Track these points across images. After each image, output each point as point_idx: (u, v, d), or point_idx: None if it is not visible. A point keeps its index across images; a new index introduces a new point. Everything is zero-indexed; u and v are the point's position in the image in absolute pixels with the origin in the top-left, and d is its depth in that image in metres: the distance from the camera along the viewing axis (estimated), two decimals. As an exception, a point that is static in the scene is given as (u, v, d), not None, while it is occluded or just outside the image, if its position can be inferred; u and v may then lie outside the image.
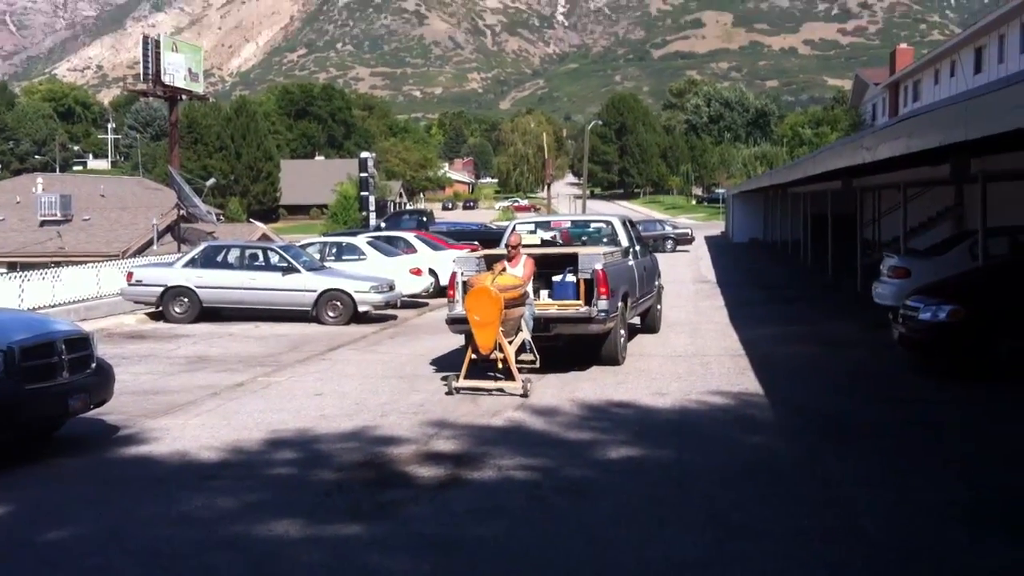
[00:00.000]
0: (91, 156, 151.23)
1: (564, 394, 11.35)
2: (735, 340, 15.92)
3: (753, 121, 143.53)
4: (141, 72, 38.59)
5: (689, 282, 28.23)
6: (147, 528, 6.79)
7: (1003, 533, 6.44)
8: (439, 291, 24.39)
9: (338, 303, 19.31)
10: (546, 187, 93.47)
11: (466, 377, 11.51)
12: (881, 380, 12.20)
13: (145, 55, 37.77)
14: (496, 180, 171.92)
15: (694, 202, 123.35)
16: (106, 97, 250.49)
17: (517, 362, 11.56)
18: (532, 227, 16.01)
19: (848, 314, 19.27)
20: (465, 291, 12.20)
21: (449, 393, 11.50)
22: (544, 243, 15.19)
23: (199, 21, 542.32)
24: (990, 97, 8.24)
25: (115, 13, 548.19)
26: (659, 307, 17.41)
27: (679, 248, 47.22)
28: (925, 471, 7.93)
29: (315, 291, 19.39)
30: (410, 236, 26.42)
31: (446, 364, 13.86)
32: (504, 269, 12.29)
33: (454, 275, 13.12)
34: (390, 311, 20.70)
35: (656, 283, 17.17)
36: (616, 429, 9.58)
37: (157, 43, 38.24)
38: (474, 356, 11.46)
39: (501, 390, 11.47)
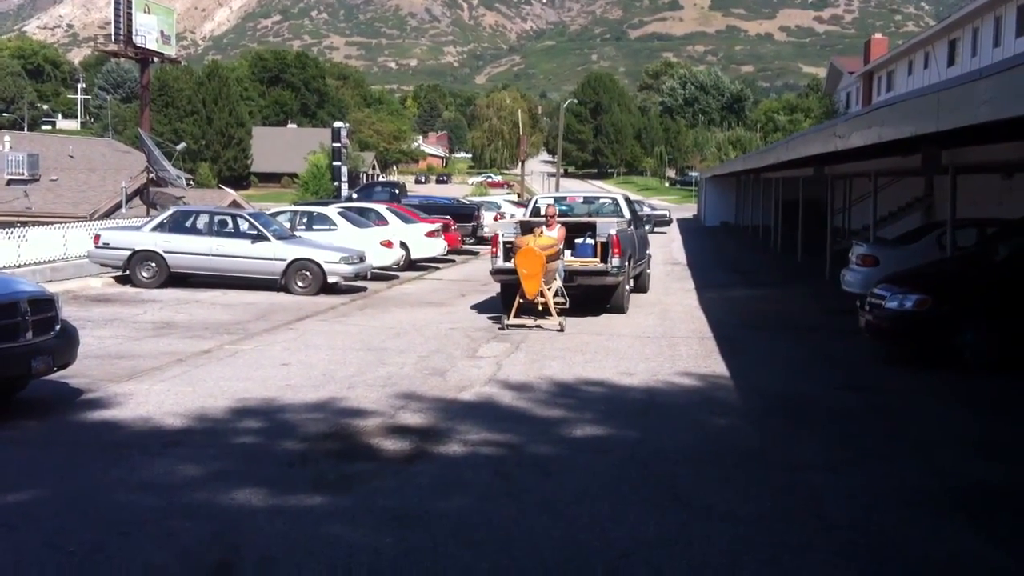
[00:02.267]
0: (60, 116, 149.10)
1: (533, 371, 11.36)
2: (703, 322, 15.99)
3: (728, 105, 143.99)
4: (112, 32, 37.89)
5: (660, 263, 28.27)
6: (108, 493, 6.73)
7: (964, 520, 6.52)
8: (409, 264, 24.36)
9: (307, 273, 19.20)
10: (520, 164, 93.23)
11: (515, 316, 14.82)
12: (847, 367, 12.30)
13: (116, 15, 37.09)
14: (470, 155, 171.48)
15: (667, 184, 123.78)
16: (76, 57, 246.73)
17: (554, 303, 14.94)
18: (551, 200, 20.02)
19: (816, 300, 19.41)
20: (506, 250, 15.89)
21: (502, 328, 14.72)
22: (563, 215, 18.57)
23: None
24: (962, 89, 8.27)
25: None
26: (648, 271, 20.92)
27: (656, 230, 47.25)
28: (888, 457, 8.00)
29: (284, 260, 19.26)
30: (382, 208, 26.29)
31: (418, 338, 13.84)
32: (542, 232, 15.71)
33: (496, 236, 16.41)
34: (360, 283, 20.61)
35: (647, 251, 20.95)
36: (583, 407, 9.60)
37: (129, 3, 37.57)
38: (522, 300, 14.69)
39: (539, 326, 14.81)
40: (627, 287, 17.14)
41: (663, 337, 14.35)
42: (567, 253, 16.51)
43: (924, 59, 48.75)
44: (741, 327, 15.69)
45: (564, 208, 19.57)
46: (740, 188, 52.62)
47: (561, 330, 14.48)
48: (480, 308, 17.65)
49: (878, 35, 74.21)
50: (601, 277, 16.27)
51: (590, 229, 16.92)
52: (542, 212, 18.23)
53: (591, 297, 16.44)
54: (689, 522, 6.33)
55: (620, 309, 16.81)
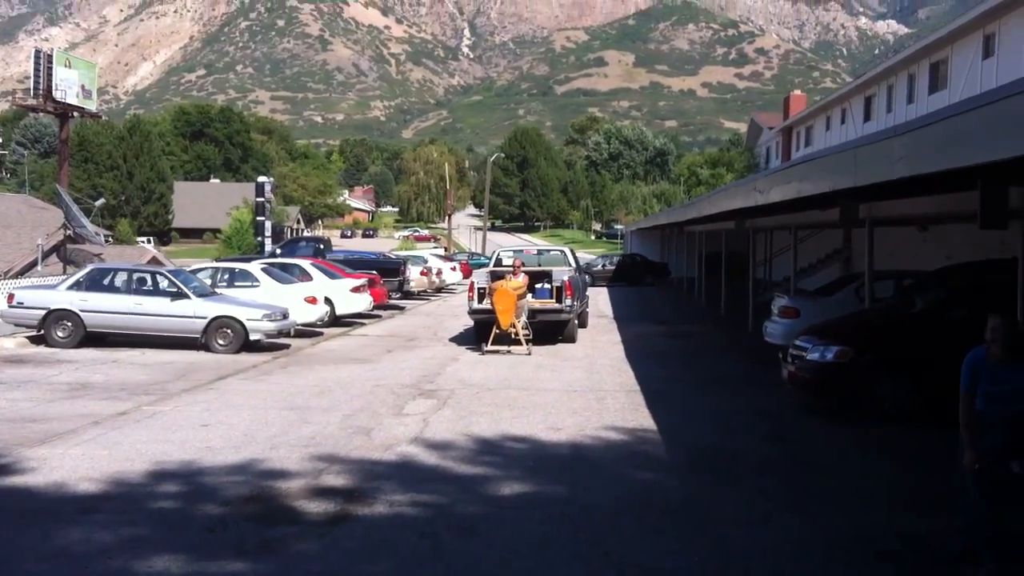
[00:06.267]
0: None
1: (460, 427, 11.26)
2: (631, 376, 16.05)
3: (652, 159, 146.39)
4: (32, 86, 37.38)
5: (588, 316, 28.43)
6: (19, 563, 6.46)
7: (890, 572, 6.56)
8: (334, 320, 24.09)
9: (228, 331, 18.87)
10: (447, 217, 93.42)
11: (492, 343, 18.86)
12: (771, 419, 12.39)
13: (36, 69, 36.62)
14: (397, 209, 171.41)
15: (593, 237, 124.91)
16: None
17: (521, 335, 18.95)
18: (511, 253, 24.46)
19: (739, 352, 19.64)
20: (480, 294, 19.68)
21: (482, 354, 18.68)
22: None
23: (95, 37, 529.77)
24: (879, 146, 8.46)
25: (7, 25, 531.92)
26: (587, 310, 25.44)
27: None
28: (813, 510, 8.04)
29: (205, 318, 18.91)
30: (306, 264, 26.02)
31: (343, 396, 13.65)
32: (510, 279, 19.26)
33: (472, 283, 20.28)
34: (283, 340, 20.33)
35: (587, 293, 26.18)
36: (511, 464, 9.52)
37: (50, 57, 37.16)
38: (497, 331, 18.68)
39: (509, 351, 18.81)
40: (575, 322, 21.28)
41: (591, 391, 14.35)
42: (528, 296, 20.09)
43: (841, 115, 50.15)
44: (667, 380, 15.78)
45: (523, 258, 23.54)
46: (664, 241, 53.36)
47: (529, 354, 18.55)
48: (405, 364, 17.50)
49: (797, 92, 76.26)
50: (557, 314, 20.22)
51: (547, 276, 21.04)
52: (504, 263, 23.27)
53: (548, 330, 20.37)
54: (618, 581, 6.27)
55: (572, 339, 20.86)
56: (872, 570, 6.58)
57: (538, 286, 20.83)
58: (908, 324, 12.41)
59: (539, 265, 23.60)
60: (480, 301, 19.76)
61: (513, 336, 18.83)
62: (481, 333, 19.61)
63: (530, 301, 20.15)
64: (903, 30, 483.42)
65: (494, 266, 23.42)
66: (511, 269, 20.39)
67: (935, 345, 11.29)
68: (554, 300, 20.54)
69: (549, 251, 27.18)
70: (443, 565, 6.54)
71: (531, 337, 19.39)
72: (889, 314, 13.43)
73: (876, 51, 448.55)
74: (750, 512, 7.98)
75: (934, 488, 8.80)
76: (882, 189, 10.01)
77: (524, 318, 19.31)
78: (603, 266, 52.16)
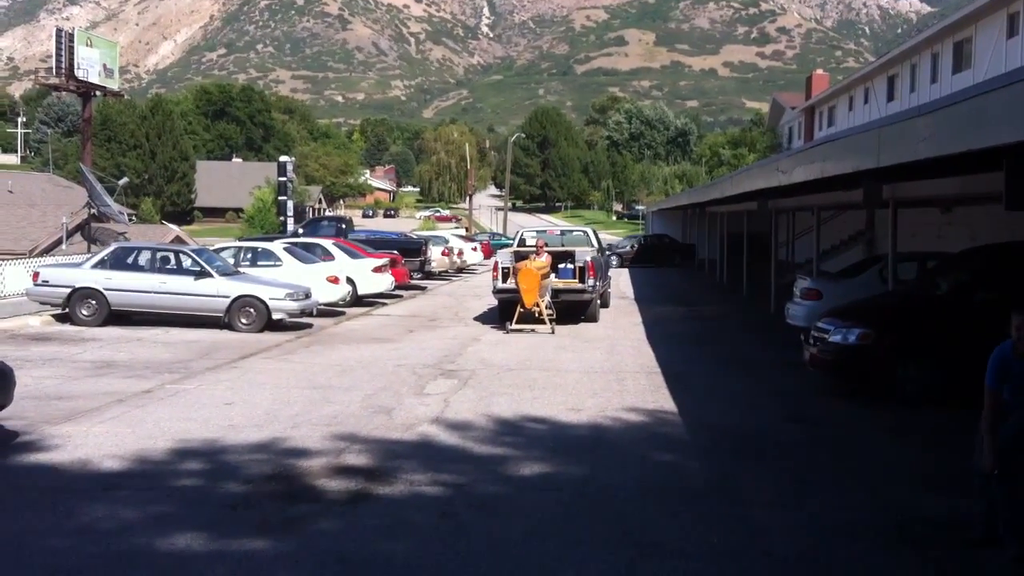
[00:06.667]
0: (0, 151, 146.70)
1: (480, 408, 11.29)
2: (651, 357, 16.04)
3: (673, 140, 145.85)
4: (54, 65, 37.46)
5: (610, 296, 28.39)
6: (44, 539, 6.53)
7: (911, 554, 6.55)
8: (356, 300, 24.18)
9: (251, 310, 18.97)
10: (468, 198, 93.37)
11: (516, 322, 19.16)
12: (792, 400, 12.37)
13: (58, 48, 36.68)
14: (418, 189, 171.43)
15: (614, 218, 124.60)
16: (17, 90, 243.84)
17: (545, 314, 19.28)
18: (534, 233, 25.31)
19: (761, 333, 19.59)
20: (504, 274, 20.29)
21: (506, 333, 19.03)
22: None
23: (115, 16, 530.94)
24: (902, 126, 8.40)
25: (27, 4, 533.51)
26: (610, 290, 25.68)
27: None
28: (834, 492, 8.03)
29: (228, 297, 19.01)
30: (328, 243, 26.08)
31: (364, 375, 13.71)
32: (535, 259, 19.81)
33: (496, 263, 20.81)
34: (306, 319, 20.41)
35: (610, 274, 26.58)
36: (531, 445, 9.54)
37: (71, 36, 37.23)
38: (522, 309, 19.02)
39: (533, 330, 19.23)
40: (598, 301, 21.77)
41: (611, 372, 14.36)
42: (552, 276, 20.51)
43: (864, 94, 49.74)
44: (688, 361, 15.76)
45: (546, 238, 23.75)
46: (686, 221, 53.14)
47: (552, 332, 18.90)
48: (427, 344, 17.55)
49: (819, 71, 75.63)
50: (580, 294, 20.65)
51: (570, 256, 21.25)
52: (527, 243, 23.77)
53: (571, 310, 20.65)
54: (638, 559, 6.30)
55: (594, 319, 21.23)
56: (894, 552, 6.57)
57: (561, 266, 21.13)
58: (931, 306, 12.33)
59: (562, 245, 23.89)
60: (504, 281, 20.29)
61: (537, 315, 19.16)
62: (505, 312, 19.95)
63: (553, 281, 20.48)
64: (926, 9, 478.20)
65: (518, 246, 23.98)
66: (534, 249, 20.87)
67: (958, 328, 11.24)
68: (577, 280, 20.88)
69: (572, 231, 27.81)
70: (464, 543, 6.57)
71: (555, 316, 19.63)
72: (912, 296, 13.35)
73: (899, 30, 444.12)
74: (771, 493, 7.97)
75: (956, 470, 8.76)
76: (906, 170, 9.94)
77: (548, 297, 19.67)
78: (632, 247, 51.89)
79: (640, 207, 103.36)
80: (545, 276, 19.61)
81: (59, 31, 37.74)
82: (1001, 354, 6.39)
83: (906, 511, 7.49)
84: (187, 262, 19.74)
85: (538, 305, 19.02)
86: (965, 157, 7.57)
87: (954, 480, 8.18)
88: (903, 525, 7.12)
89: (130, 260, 20.07)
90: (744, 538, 6.80)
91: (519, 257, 20.56)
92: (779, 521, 7.21)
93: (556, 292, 20.27)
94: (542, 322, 19.24)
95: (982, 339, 6.62)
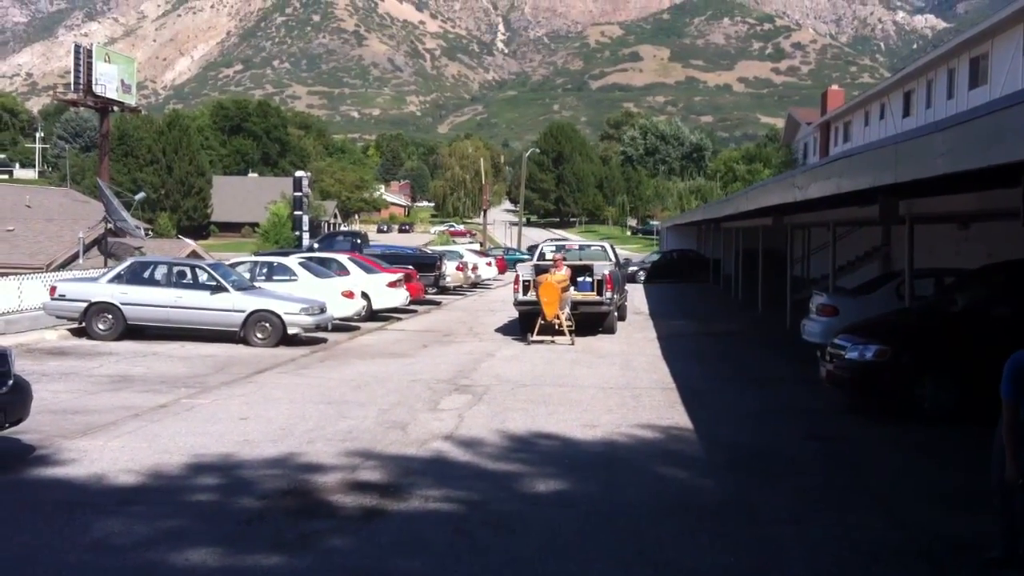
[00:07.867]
0: (17, 165, 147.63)
1: (495, 424, 11.26)
2: (666, 373, 15.98)
3: (688, 155, 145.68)
4: (72, 81, 37.63)
5: (627, 310, 28.34)
6: (59, 554, 6.54)
7: (931, 572, 6.49)
8: (371, 314, 24.20)
9: (267, 324, 19.00)
10: (483, 213, 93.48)
11: (537, 334, 19.76)
12: (809, 417, 12.30)
13: (76, 64, 36.88)
14: (432, 204, 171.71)
15: (629, 233, 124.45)
16: (35, 105, 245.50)
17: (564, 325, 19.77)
18: (553, 247, 26.47)
19: (777, 350, 19.50)
20: (525, 286, 20.79)
21: (527, 344, 19.56)
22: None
23: (133, 32, 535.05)
24: (920, 141, 8.36)
25: (46, 21, 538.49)
26: (626, 304, 26.26)
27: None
28: (851, 510, 7.97)
29: (243, 311, 19.06)
30: (343, 258, 26.14)
31: (379, 390, 13.70)
32: (555, 272, 20.19)
33: (517, 275, 21.38)
34: (321, 334, 20.43)
35: (626, 288, 27.14)
36: (546, 461, 9.50)
37: (89, 52, 37.45)
38: (543, 321, 19.61)
39: (553, 341, 19.75)
40: (615, 314, 22.32)
41: (626, 388, 14.31)
42: (571, 289, 20.94)
43: (880, 110, 49.59)
44: (703, 377, 15.70)
45: (565, 252, 24.94)
46: (700, 237, 53.04)
47: (572, 344, 19.48)
48: (441, 360, 17.54)
49: (834, 87, 75.42)
50: (598, 306, 21.28)
51: (589, 270, 21.96)
52: (547, 257, 24.49)
53: (589, 322, 21.26)
54: (654, 579, 6.25)
55: (611, 330, 21.86)
56: (911, 571, 6.51)
57: (580, 279, 21.74)
58: (949, 323, 12.25)
59: (580, 259, 24.61)
60: (525, 293, 20.86)
61: (557, 327, 19.68)
62: (526, 324, 20.66)
63: (573, 293, 20.98)
64: (941, 24, 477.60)
65: (537, 260, 24.98)
66: (553, 263, 21.35)
67: (976, 344, 11.15)
68: (595, 293, 21.53)
69: (590, 246, 28.84)
70: (479, 560, 6.55)
71: (574, 328, 20.14)
72: (929, 313, 13.26)
73: (914, 46, 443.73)
74: (788, 511, 7.92)
75: (975, 488, 8.69)
76: (923, 185, 9.88)
77: (567, 310, 20.19)
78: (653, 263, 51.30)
79: (655, 223, 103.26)
80: (565, 289, 20.10)
81: (78, 47, 37.97)
82: (1015, 365, 6.29)
83: (925, 529, 7.42)
84: (203, 277, 19.80)
85: (558, 317, 19.53)
86: (983, 173, 7.53)
87: (973, 498, 8.11)
88: (921, 544, 7.06)
89: (146, 275, 20.14)
90: (761, 557, 6.75)
91: (539, 271, 21.05)
92: (796, 539, 7.15)
93: (575, 304, 20.78)
94: (562, 334, 19.74)
95: (1000, 356, 6.54)
